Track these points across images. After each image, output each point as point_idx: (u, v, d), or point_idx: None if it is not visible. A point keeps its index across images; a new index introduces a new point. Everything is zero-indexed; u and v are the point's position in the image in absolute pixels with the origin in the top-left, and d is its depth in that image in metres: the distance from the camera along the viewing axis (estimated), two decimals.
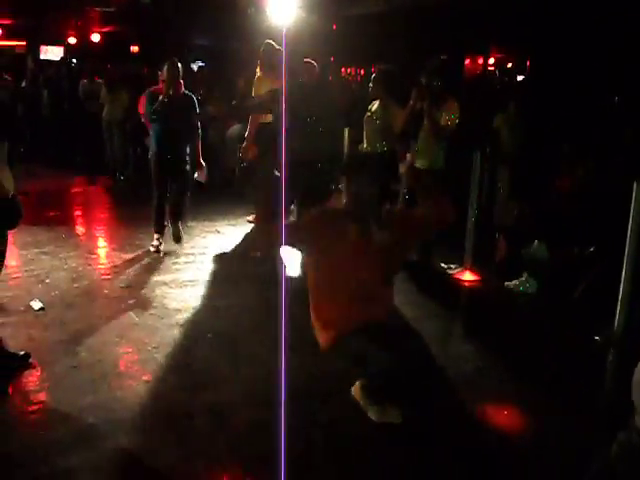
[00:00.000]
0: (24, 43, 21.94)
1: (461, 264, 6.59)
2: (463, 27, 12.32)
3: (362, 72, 14.48)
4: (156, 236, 7.04)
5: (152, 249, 6.97)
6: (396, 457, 3.62)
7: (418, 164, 6.41)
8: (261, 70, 7.49)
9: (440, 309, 5.78)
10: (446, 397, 4.24)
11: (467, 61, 15.78)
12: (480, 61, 16.05)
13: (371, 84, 6.95)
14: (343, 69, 13.50)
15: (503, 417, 4.12)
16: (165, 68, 6.86)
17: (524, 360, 4.86)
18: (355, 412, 3.97)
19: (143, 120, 7.91)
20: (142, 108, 7.81)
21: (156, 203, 7.05)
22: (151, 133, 7.04)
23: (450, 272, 6.59)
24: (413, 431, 3.82)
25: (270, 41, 7.61)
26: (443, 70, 6.54)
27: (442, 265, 6.71)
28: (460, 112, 6.36)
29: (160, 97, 6.76)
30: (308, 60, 7.22)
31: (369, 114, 7.02)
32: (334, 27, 13.28)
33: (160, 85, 7.09)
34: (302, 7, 8.91)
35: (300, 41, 7.74)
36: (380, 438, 3.77)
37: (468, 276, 6.47)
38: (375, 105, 6.94)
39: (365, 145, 7.17)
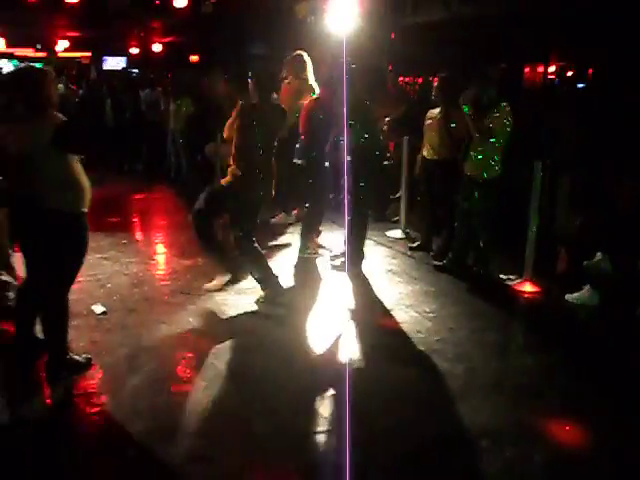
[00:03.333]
0: (89, 54, 22.58)
1: (521, 275, 6.48)
2: (523, 35, 12.16)
3: (420, 81, 14.42)
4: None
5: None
6: (454, 468, 3.58)
7: (470, 172, 6.36)
8: (289, 77, 8.25)
9: (500, 320, 5.68)
10: (507, 410, 4.17)
11: (527, 69, 15.57)
12: (540, 69, 15.81)
13: (434, 92, 6.96)
14: (401, 78, 13.44)
15: (565, 432, 4.01)
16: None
17: (586, 375, 4.73)
18: (411, 424, 3.96)
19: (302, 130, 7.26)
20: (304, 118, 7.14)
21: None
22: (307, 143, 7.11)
23: (510, 283, 6.47)
24: (469, 443, 3.78)
25: (300, 52, 8.31)
26: (492, 79, 6.50)
27: (501, 276, 6.60)
28: (520, 121, 6.27)
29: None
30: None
31: (429, 121, 7.03)
32: (392, 36, 13.26)
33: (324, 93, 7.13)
34: (361, 16, 8.98)
35: (359, 49, 7.83)
36: (436, 449, 3.74)
37: (528, 287, 6.35)
38: (436, 112, 6.96)
39: (426, 152, 7.15)
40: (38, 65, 4.54)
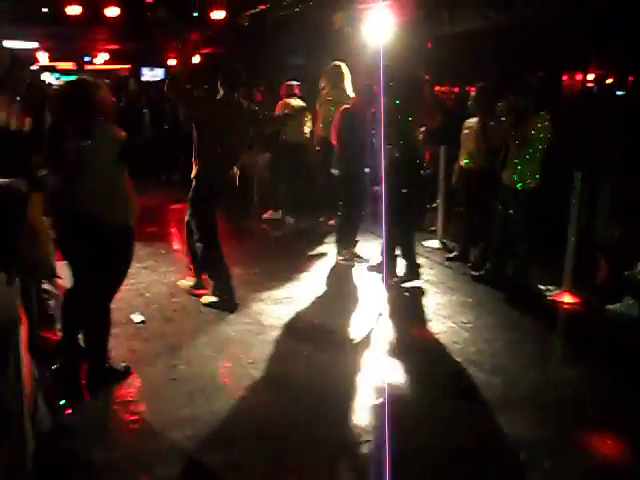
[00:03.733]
0: (128, 66, 22.91)
1: (560, 286, 6.40)
2: (561, 43, 12.04)
3: (456, 90, 14.34)
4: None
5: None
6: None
7: (508, 181, 6.30)
8: (328, 87, 8.53)
9: (539, 332, 5.61)
10: (546, 423, 4.11)
11: (565, 77, 15.38)
12: (579, 77, 15.60)
13: (470, 101, 6.92)
14: (437, 87, 13.39)
15: (606, 445, 3.95)
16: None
17: (627, 386, 4.66)
18: (447, 435, 3.93)
19: (334, 141, 7.35)
20: (335, 128, 7.28)
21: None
22: (339, 153, 7.28)
23: (548, 294, 6.39)
24: (507, 455, 3.75)
25: (338, 62, 8.50)
26: (529, 87, 6.45)
27: (540, 287, 6.52)
28: (559, 129, 6.21)
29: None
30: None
31: (467, 131, 7.00)
32: (429, 45, 13.24)
33: (356, 103, 7.22)
34: (398, 26, 8.99)
35: (395, 59, 7.84)
36: (473, 461, 3.71)
37: (568, 298, 6.26)
38: (473, 122, 6.92)
39: (465, 161, 7.12)
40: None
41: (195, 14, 16.16)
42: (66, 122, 4.15)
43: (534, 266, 6.52)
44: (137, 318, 5.62)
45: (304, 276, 6.97)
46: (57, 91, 4.35)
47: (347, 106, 7.27)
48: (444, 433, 3.97)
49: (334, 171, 7.50)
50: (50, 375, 4.34)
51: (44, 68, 21.85)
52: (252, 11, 14.52)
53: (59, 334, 4.79)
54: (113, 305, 4.62)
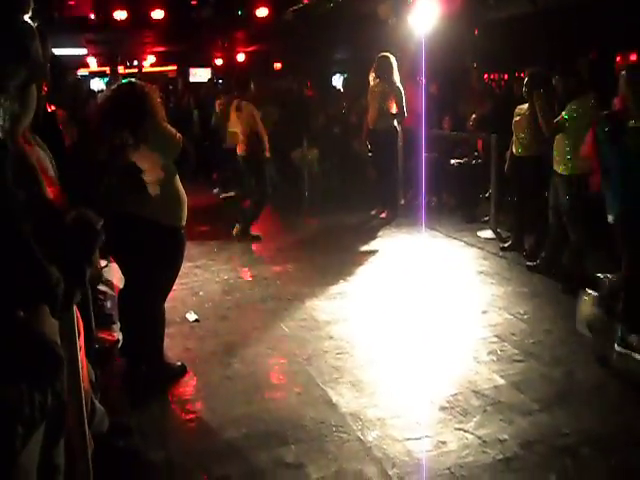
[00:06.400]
0: (175, 67, 23.21)
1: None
2: (613, 23, 11.72)
3: (505, 77, 14.10)
4: None
5: None
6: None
7: (555, 167, 6.12)
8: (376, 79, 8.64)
9: None
10: (612, 415, 3.98)
11: (618, 58, 14.97)
12: (633, 57, 15.18)
13: (525, 88, 6.68)
14: (486, 75, 13.18)
15: None
16: None
17: None
18: (506, 430, 3.84)
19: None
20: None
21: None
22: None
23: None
24: (571, 451, 3.64)
25: (386, 54, 8.56)
26: (577, 69, 6.27)
27: (598, 275, 6.32)
28: None
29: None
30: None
31: (518, 118, 6.84)
32: (475, 32, 13.04)
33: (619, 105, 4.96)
34: (443, 14, 8.86)
35: (440, 48, 7.71)
36: (534, 458, 3.60)
37: None
38: (524, 108, 6.73)
39: (515, 149, 6.97)
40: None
41: (239, 12, 16.25)
42: (117, 127, 4.11)
43: (591, 253, 6.33)
44: (191, 317, 5.66)
45: (357, 270, 6.92)
46: (107, 96, 4.34)
47: (607, 112, 5.12)
48: (502, 428, 3.86)
49: (609, 217, 4.96)
50: (107, 375, 4.41)
51: (95, 74, 22.30)
52: (296, 7, 14.52)
53: (115, 335, 4.86)
54: (167, 304, 4.65)
